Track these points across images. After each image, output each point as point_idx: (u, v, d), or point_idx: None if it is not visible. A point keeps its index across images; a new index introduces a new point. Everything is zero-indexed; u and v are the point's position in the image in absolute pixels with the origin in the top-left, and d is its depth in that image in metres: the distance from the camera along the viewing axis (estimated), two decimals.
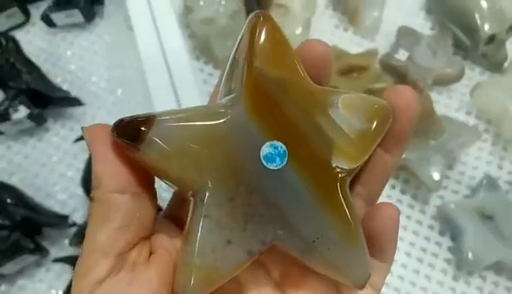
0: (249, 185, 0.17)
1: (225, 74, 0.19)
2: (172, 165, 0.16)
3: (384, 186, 0.21)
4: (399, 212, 0.19)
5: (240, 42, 0.18)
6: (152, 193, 0.18)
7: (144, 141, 0.16)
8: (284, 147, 0.17)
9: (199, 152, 0.16)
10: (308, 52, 0.18)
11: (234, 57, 0.18)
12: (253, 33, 0.17)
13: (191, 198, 0.17)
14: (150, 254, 0.18)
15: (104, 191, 0.17)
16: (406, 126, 0.19)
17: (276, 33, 0.17)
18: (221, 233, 0.16)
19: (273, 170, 0.17)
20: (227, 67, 0.18)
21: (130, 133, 0.16)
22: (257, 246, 0.17)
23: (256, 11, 0.17)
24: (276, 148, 0.17)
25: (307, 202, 0.17)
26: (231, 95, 0.17)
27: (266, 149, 0.17)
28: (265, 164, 0.16)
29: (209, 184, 0.16)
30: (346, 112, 0.17)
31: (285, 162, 0.17)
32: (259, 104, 0.17)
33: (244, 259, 0.17)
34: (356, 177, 0.19)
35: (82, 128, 0.17)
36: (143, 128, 0.16)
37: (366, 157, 0.18)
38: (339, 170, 0.17)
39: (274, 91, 0.17)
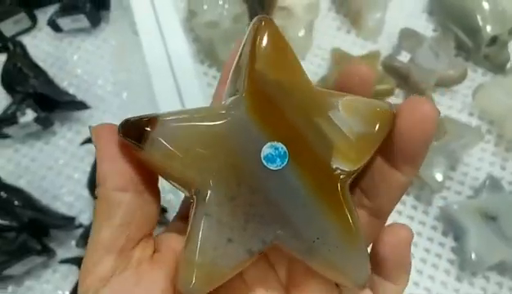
0: (250, 185, 0.17)
1: (229, 78, 0.19)
2: (175, 164, 0.17)
3: (394, 204, 0.20)
4: (412, 234, 0.18)
5: (243, 47, 0.18)
6: (155, 192, 0.18)
7: (147, 141, 0.16)
8: (284, 148, 0.17)
9: (201, 152, 0.17)
10: (353, 75, 0.19)
11: (238, 62, 0.18)
12: (254, 38, 0.17)
13: (194, 197, 0.17)
14: (155, 252, 0.18)
15: (107, 189, 0.17)
16: (418, 144, 0.17)
17: (277, 37, 0.18)
18: (221, 232, 0.17)
19: (274, 170, 0.17)
20: (231, 72, 0.19)
21: (135, 133, 0.17)
22: (257, 245, 0.17)
23: (258, 16, 0.18)
24: (276, 149, 0.17)
25: (307, 203, 0.17)
26: (232, 97, 0.18)
27: (266, 150, 0.17)
28: (265, 164, 0.17)
29: (211, 184, 0.17)
30: (346, 114, 0.18)
31: (285, 163, 0.17)
32: (260, 106, 0.17)
33: (244, 257, 0.17)
34: (361, 188, 0.19)
35: (89, 127, 0.18)
36: (147, 128, 0.16)
37: (366, 159, 0.18)
38: (339, 171, 0.17)
39: (274, 93, 0.17)
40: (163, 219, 0.43)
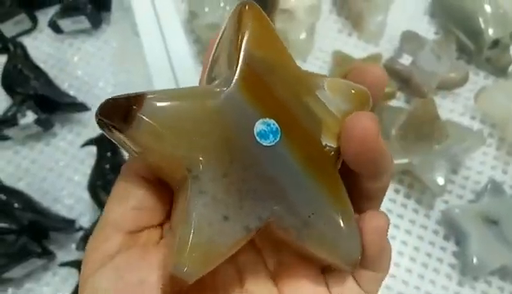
0: (243, 161, 0.17)
1: (209, 63, 0.19)
2: (164, 144, 0.16)
3: (377, 205, 0.20)
4: (388, 221, 0.18)
5: (224, 31, 0.18)
6: (169, 188, 0.19)
7: (134, 120, 0.16)
8: (276, 124, 0.17)
9: (192, 130, 0.16)
10: (365, 75, 0.19)
11: (217, 46, 0.19)
12: (239, 20, 0.17)
13: (185, 177, 0.17)
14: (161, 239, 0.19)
15: (129, 172, 0.18)
16: (366, 162, 0.17)
17: (261, 20, 0.18)
18: (217, 209, 0.16)
19: (266, 146, 0.17)
20: (211, 56, 0.19)
21: (119, 112, 0.16)
22: (254, 222, 0.17)
23: (241, 1, 0.18)
24: (268, 125, 0.17)
25: (301, 178, 0.17)
26: (223, 77, 0.17)
27: (259, 126, 0.17)
28: (259, 140, 0.17)
29: (202, 161, 0.16)
30: (331, 94, 0.18)
31: (277, 139, 0.17)
32: (252, 85, 0.17)
33: (241, 235, 0.16)
34: None
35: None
36: (134, 106, 0.16)
37: None
38: (328, 148, 0.18)
39: (264, 72, 0.17)
40: None
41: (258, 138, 0.17)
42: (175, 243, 0.16)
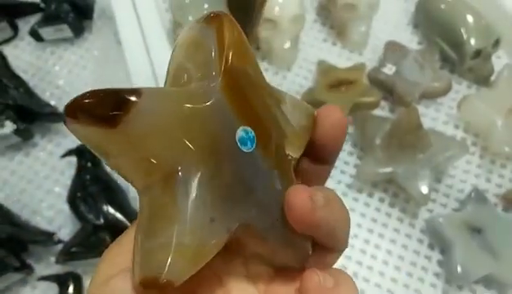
0: (228, 166, 0.17)
1: (175, 65, 0.19)
2: (156, 141, 0.16)
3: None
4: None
5: (190, 37, 0.18)
6: None
7: (130, 112, 0.15)
8: (253, 132, 0.18)
9: (184, 131, 0.16)
10: (325, 118, 0.20)
11: (186, 51, 0.19)
12: (220, 31, 0.18)
13: (169, 178, 0.16)
14: None
15: None
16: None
17: (239, 32, 0.18)
18: (206, 212, 0.17)
19: (245, 152, 0.18)
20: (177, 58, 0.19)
21: (112, 104, 0.15)
22: (234, 224, 0.17)
23: (213, 12, 0.18)
24: (247, 132, 0.18)
25: (271, 184, 0.18)
26: (204, 81, 0.18)
27: (240, 133, 0.18)
28: (239, 146, 0.17)
29: (192, 163, 0.16)
30: (292, 109, 0.20)
31: (254, 147, 0.18)
32: (234, 94, 0.18)
33: (224, 236, 0.17)
34: None
35: None
36: (131, 98, 0.15)
37: (304, 149, 0.20)
38: (290, 157, 0.19)
39: (243, 83, 0.18)
40: None
41: (239, 144, 0.17)
42: (160, 244, 0.16)
